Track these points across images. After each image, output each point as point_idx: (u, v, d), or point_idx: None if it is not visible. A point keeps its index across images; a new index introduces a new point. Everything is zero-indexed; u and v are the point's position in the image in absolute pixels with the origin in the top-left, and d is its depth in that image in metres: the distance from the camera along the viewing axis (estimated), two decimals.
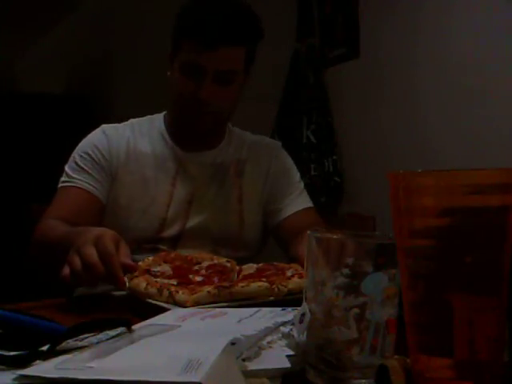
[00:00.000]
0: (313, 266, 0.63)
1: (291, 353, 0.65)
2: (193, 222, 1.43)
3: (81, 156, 1.42)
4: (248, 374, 0.59)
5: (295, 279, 1.00)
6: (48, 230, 1.27)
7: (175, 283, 1.02)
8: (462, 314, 0.50)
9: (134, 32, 4.32)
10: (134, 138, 1.45)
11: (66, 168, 1.43)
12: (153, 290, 0.96)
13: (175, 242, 1.42)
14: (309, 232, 0.65)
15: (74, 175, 1.40)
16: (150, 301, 0.95)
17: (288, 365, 0.62)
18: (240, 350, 0.62)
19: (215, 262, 1.20)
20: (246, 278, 1.07)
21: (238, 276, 1.13)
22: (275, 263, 1.21)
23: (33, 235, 1.31)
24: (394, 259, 0.56)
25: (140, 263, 1.11)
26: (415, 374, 0.53)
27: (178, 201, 1.42)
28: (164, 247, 1.39)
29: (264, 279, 1.00)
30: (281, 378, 0.61)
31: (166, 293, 0.95)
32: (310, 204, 1.54)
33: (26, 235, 1.46)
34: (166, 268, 1.12)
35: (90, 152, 1.42)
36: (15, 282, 3.33)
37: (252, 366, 0.61)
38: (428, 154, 2.34)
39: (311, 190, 3.09)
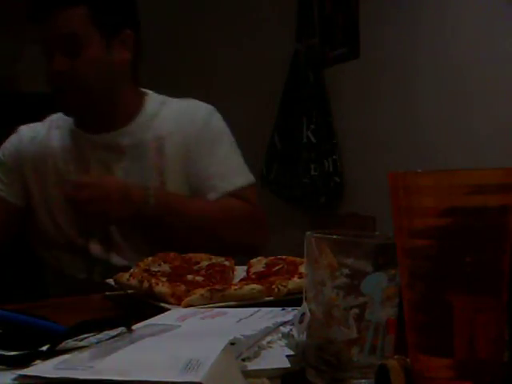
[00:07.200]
0: (313, 266, 0.63)
1: (291, 353, 0.65)
2: None
3: None
4: (248, 374, 0.59)
5: (295, 279, 1.00)
6: None
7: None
8: (461, 314, 0.50)
9: None
10: (47, 135, 1.43)
11: None
12: (134, 282, 0.97)
13: (107, 237, 1.35)
14: (308, 232, 0.64)
15: None
16: (149, 301, 0.95)
17: (288, 365, 0.62)
18: (240, 350, 0.62)
19: (213, 261, 1.19)
20: (246, 279, 1.07)
21: (248, 273, 1.13)
22: (284, 257, 1.20)
23: None
24: (394, 259, 0.56)
25: (140, 263, 1.11)
26: (415, 374, 0.53)
27: None
28: (97, 246, 1.34)
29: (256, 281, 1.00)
30: (281, 378, 0.61)
31: (146, 284, 0.95)
32: (240, 182, 1.36)
33: (26, 235, 1.47)
34: (166, 268, 1.12)
35: (0, 155, 1.43)
36: (15, 282, 3.33)
37: (252, 365, 0.61)
38: (428, 154, 2.34)
39: (311, 190, 3.10)
